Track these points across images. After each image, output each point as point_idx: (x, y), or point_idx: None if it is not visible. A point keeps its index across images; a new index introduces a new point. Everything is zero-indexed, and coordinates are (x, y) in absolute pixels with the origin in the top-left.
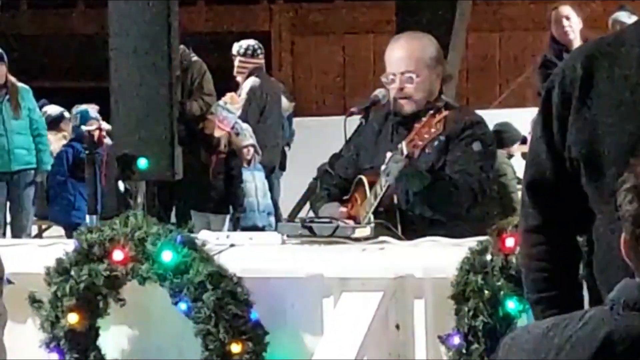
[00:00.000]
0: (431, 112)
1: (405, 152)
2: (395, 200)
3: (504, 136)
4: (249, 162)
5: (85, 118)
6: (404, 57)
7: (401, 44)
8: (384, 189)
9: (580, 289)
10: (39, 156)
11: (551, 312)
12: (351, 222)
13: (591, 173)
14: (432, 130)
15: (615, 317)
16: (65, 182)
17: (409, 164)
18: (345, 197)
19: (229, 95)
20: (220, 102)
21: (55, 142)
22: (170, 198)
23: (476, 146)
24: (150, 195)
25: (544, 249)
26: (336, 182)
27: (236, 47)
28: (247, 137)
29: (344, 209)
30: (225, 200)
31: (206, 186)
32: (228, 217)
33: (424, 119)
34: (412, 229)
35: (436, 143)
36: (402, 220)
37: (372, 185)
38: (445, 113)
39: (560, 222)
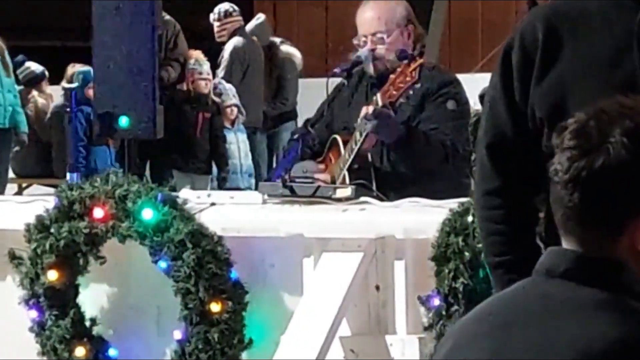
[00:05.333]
0: (405, 61)
1: (380, 103)
2: (370, 158)
3: None
4: (232, 123)
5: (87, 79)
6: (374, 18)
7: (371, 5)
8: (359, 144)
9: (538, 252)
10: (19, 117)
11: (510, 276)
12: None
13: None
14: (407, 78)
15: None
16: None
17: (385, 114)
18: (319, 159)
19: (194, 52)
20: (191, 62)
21: (40, 99)
22: (144, 155)
23: (450, 105)
24: (131, 154)
25: (503, 212)
26: (312, 145)
27: (212, 15)
28: (230, 97)
29: (320, 165)
30: (209, 161)
31: (191, 147)
32: (210, 177)
33: (398, 69)
34: (386, 186)
35: (412, 96)
36: (377, 177)
37: (346, 144)
38: (420, 61)
39: (520, 184)
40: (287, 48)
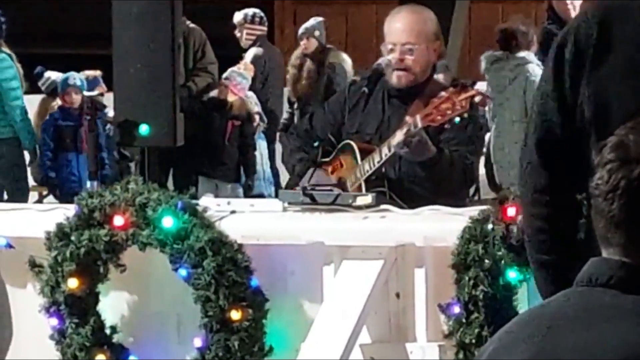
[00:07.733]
0: (455, 88)
1: (420, 125)
2: (384, 169)
3: None
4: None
5: (61, 86)
6: (405, 28)
7: (403, 15)
8: (384, 159)
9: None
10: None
11: (556, 275)
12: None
13: (599, 133)
14: (457, 107)
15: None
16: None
17: (422, 138)
18: (325, 160)
19: (243, 62)
20: (235, 68)
21: None
22: (166, 163)
23: (469, 129)
24: (151, 162)
25: (551, 211)
26: (315, 143)
27: (241, 15)
28: (253, 105)
29: (329, 167)
30: (237, 168)
31: (218, 153)
32: (238, 185)
33: (444, 94)
34: (399, 199)
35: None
36: (390, 188)
37: (362, 151)
38: (472, 92)
39: (569, 183)
40: (336, 53)
